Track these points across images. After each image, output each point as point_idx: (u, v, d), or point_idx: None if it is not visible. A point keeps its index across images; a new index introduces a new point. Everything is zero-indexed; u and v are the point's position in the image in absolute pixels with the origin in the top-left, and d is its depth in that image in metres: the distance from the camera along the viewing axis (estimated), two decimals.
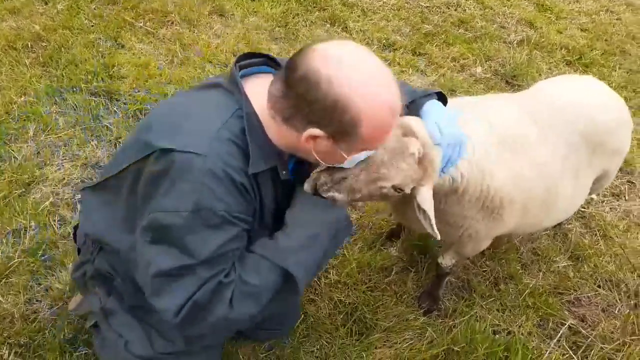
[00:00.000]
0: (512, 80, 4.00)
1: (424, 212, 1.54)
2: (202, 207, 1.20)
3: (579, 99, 2.12)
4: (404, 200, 1.84)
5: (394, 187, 1.48)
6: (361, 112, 1.17)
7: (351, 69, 1.17)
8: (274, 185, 1.40)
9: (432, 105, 1.64)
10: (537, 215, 2.02)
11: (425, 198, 1.53)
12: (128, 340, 1.59)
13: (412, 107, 1.68)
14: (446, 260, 2.24)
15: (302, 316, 2.29)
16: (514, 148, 1.83)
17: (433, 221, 1.53)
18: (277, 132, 1.30)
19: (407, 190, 1.51)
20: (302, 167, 1.50)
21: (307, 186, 1.44)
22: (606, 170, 2.24)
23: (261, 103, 1.29)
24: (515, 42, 4.45)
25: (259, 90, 1.30)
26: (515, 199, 1.84)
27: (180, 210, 1.21)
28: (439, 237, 1.57)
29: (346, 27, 4.24)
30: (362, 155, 1.35)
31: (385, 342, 2.27)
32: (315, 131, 1.22)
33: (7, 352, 2.01)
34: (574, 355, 2.31)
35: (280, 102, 1.24)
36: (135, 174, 1.33)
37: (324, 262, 1.52)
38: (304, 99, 1.18)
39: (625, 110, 2.24)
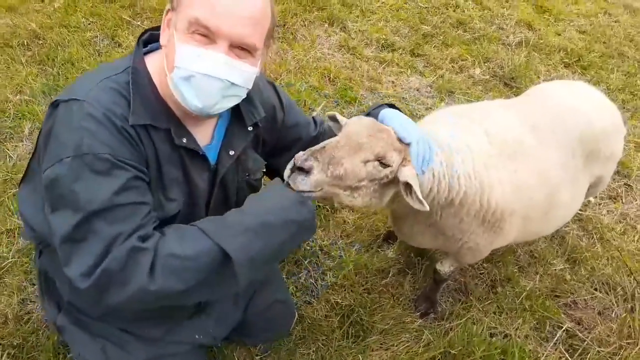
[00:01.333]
0: (511, 82, 4.00)
1: (410, 187, 1.47)
2: (84, 151, 1.16)
3: (575, 105, 2.11)
4: (401, 215, 1.84)
5: (379, 162, 1.44)
6: None
7: None
8: (176, 153, 1.35)
9: (388, 112, 1.62)
10: (537, 224, 2.02)
11: (408, 175, 1.46)
12: (83, 355, 1.57)
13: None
14: (445, 267, 2.23)
15: (298, 318, 2.28)
16: (512, 157, 1.82)
17: (419, 193, 1.46)
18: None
19: (394, 166, 1.45)
20: (228, 155, 1.48)
21: (287, 171, 1.37)
22: (600, 176, 2.24)
23: (161, 66, 1.30)
24: (513, 43, 4.44)
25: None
26: (516, 210, 1.83)
27: (63, 157, 1.16)
28: (427, 208, 1.47)
29: (345, 27, 4.23)
30: (191, 49, 1.22)
31: (381, 344, 2.27)
32: (170, 15, 1.27)
33: (0, 352, 1.99)
34: (570, 359, 2.31)
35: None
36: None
37: (273, 259, 1.37)
38: None
39: (618, 116, 2.24)
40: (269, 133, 1.67)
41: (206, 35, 1.21)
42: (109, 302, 1.19)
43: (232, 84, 1.27)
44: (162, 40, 1.30)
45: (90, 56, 3.47)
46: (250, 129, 1.52)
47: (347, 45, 4.05)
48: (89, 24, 3.78)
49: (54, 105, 1.24)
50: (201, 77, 1.23)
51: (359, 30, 4.25)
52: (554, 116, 2.02)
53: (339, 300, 2.39)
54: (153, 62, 1.34)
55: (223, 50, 1.22)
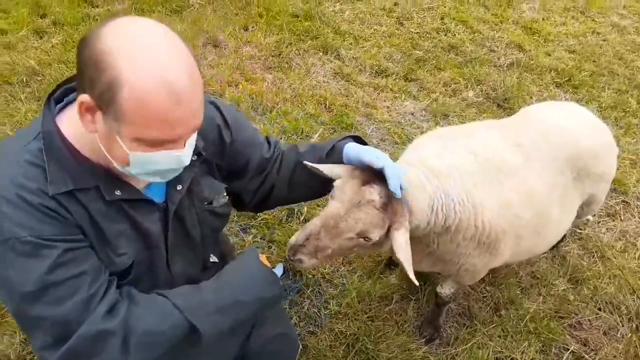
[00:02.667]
0: (504, 104, 4.05)
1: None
2: (5, 236, 1.12)
3: (563, 124, 2.13)
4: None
5: (361, 236, 1.49)
6: (123, 75, 1.02)
7: (129, 32, 1.06)
8: (114, 207, 1.27)
9: (351, 147, 1.58)
10: (530, 242, 2.02)
11: (400, 244, 1.49)
12: None
13: (333, 152, 1.63)
14: (445, 290, 2.23)
15: (303, 349, 2.26)
16: (500, 177, 1.82)
17: (409, 269, 1.49)
18: (93, 144, 1.18)
19: (375, 237, 1.49)
20: (176, 191, 1.39)
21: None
22: (593, 195, 2.24)
23: (78, 121, 1.15)
24: (505, 65, 4.52)
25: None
26: (506, 228, 1.83)
27: None
28: (417, 284, 1.54)
29: (339, 55, 4.30)
30: (148, 157, 1.15)
31: None
32: (84, 97, 1.07)
33: None
34: None
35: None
36: None
37: (238, 328, 1.45)
38: (79, 62, 1.07)
39: (609, 136, 2.25)
40: (220, 156, 1.56)
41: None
42: None
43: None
44: (86, 126, 1.13)
45: None
46: (194, 158, 1.40)
47: (342, 72, 4.11)
48: None
49: None
50: (165, 171, 1.22)
51: (353, 58, 4.32)
52: (540, 134, 2.03)
53: (343, 329, 2.37)
54: (69, 119, 1.22)
55: (184, 146, 1.18)
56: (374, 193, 1.46)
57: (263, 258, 1.50)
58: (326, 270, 2.64)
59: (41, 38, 4.01)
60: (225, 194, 1.59)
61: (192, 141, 1.22)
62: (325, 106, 3.75)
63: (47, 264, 1.14)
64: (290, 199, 1.78)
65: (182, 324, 1.28)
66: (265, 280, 1.42)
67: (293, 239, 1.53)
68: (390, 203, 1.49)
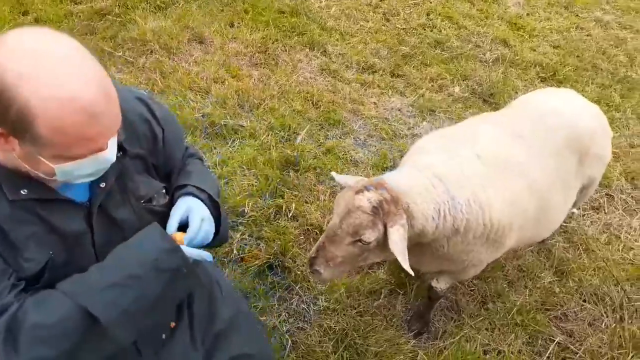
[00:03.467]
0: (490, 99, 4.08)
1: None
2: None
3: (558, 108, 2.17)
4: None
5: (357, 239, 1.60)
6: (31, 106, 0.98)
7: (26, 58, 0.99)
8: (21, 208, 1.18)
9: (183, 201, 1.47)
10: (533, 231, 2.06)
11: (393, 239, 1.59)
12: None
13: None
14: (441, 284, 2.23)
15: (292, 345, 2.27)
16: (504, 172, 1.86)
17: (404, 262, 1.58)
18: None
19: (370, 238, 1.60)
20: (99, 188, 1.30)
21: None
22: (592, 178, 2.28)
23: None
24: (490, 60, 4.55)
25: None
26: (512, 222, 1.87)
27: None
28: (412, 274, 1.63)
29: (325, 51, 4.29)
30: (76, 165, 1.12)
31: None
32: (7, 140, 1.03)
33: None
34: None
35: None
36: None
37: (158, 309, 1.29)
38: None
39: (604, 119, 2.30)
40: (155, 155, 1.48)
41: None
42: None
43: None
44: (3, 149, 1.08)
45: None
46: (119, 154, 1.31)
47: (329, 68, 4.11)
48: None
49: None
50: (94, 172, 1.19)
51: (339, 54, 4.32)
52: (536, 120, 2.06)
53: (332, 325, 2.38)
54: None
55: (107, 147, 1.14)
56: (362, 199, 1.60)
57: (176, 235, 1.36)
58: None
59: None
60: (165, 192, 1.50)
61: (114, 139, 1.16)
62: (312, 102, 3.75)
63: None
64: None
65: (72, 309, 1.15)
66: (161, 249, 1.25)
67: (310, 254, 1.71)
68: (382, 206, 1.59)
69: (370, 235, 1.60)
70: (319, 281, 1.63)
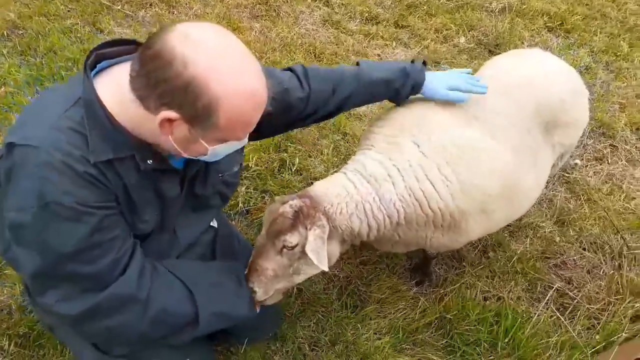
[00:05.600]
0: (496, 49, 4.01)
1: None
2: (48, 201, 1.15)
3: (528, 76, 2.04)
4: (365, 244, 2.00)
5: (283, 246, 1.63)
6: (218, 98, 1.11)
7: (211, 52, 1.11)
8: (145, 176, 1.32)
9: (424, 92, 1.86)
10: (504, 212, 1.95)
11: (309, 241, 1.61)
12: (78, 354, 1.62)
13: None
14: (432, 250, 2.23)
15: (298, 292, 2.34)
16: (453, 157, 1.76)
17: (319, 263, 1.59)
18: (136, 118, 1.21)
19: (294, 241, 1.62)
20: (197, 160, 1.40)
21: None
22: (568, 145, 2.17)
23: (115, 90, 1.21)
24: (496, 10, 4.44)
25: (118, 77, 1.22)
26: (466, 209, 1.78)
27: (27, 208, 1.16)
28: (327, 269, 1.63)
29: (328, 2, 4.19)
30: (226, 146, 1.29)
31: (379, 313, 2.34)
32: (170, 114, 1.14)
33: (7, 343, 2.03)
34: (561, 317, 2.40)
35: (134, 82, 1.16)
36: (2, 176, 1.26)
37: (224, 319, 1.57)
38: (156, 77, 1.10)
39: (577, 80, 2.17)
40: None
41: None
42: (89, 328, 1.35)
43: None
44: (163, 131, 1.19)
45: (72, 44, 3.42)
46: None
47: (331, 19, 4.03)
48: (68, 11, 3.72)
49: (9, 146, 1.19)
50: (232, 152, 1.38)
51: (342, 4, 4.22)
52: (501, 95, 1.94)
53: (336, 273, 2.45)
54: (104, 87, 1.23)
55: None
56: (285, 207, 1.65)
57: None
58: None
59: None
60: (241, 162, 1.71)
61: None
62: (314, 55, 3.70)
63: (87, 229, 1.21)
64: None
65: (191, 313, 1.44)
66: (245, 317, 1.62)
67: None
68: (302, 211, 1.64)
69: (292, 239, 1.61)
70: (257, 302, 1.69)
